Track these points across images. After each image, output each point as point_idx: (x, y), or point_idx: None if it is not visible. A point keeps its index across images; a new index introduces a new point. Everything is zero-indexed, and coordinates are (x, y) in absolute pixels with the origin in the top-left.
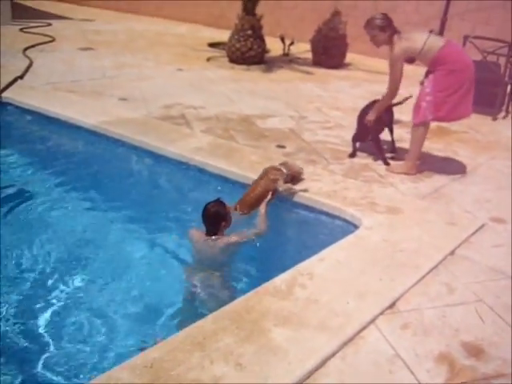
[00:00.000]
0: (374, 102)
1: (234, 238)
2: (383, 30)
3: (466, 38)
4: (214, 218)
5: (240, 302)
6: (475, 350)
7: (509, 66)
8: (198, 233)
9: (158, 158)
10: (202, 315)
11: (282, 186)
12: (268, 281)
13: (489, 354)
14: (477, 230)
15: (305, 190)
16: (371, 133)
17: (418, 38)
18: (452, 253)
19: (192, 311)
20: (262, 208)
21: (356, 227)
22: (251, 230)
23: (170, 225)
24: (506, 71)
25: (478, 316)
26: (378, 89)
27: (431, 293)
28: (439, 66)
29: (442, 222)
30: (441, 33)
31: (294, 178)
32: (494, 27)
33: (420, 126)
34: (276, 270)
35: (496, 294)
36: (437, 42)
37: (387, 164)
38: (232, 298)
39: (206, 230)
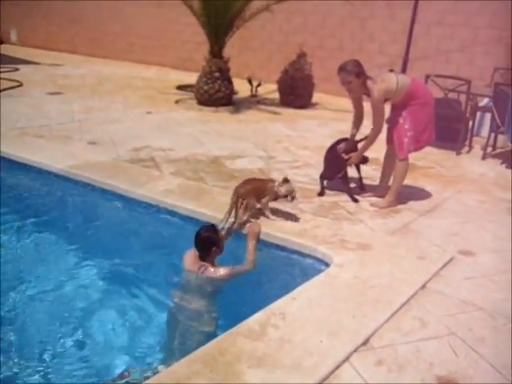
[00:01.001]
0: (341, 141)
1: (221, 272)
2: (358, 75)
3: (427, 76)
4: (205, 243)
5: (213, 344)
6: None
7: (469, 102)
8: (190, 257)
9: (128, 201)
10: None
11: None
12: (241, 322)
13: None
14: (446, 264)
15: (276, 230)
16: (341, 171)
17: (391, 78)
18: (423, 287)
19: (177, 339)
20: (251, 243)
21: (327, 265)
22: (241, 266)
23: (141, 267)
24: (467, 108)
25: (451, 349)
26: (345, 127)
27: (404, 328)
28: (412, 100)
29: (412, 257)
30: (403, 72)
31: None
32: (453, 66)
33: (404, 160)
34: (249, 310)
35: (468, 326)
36: (405, 79)
37: (355, 201)
38: (214, 330)
39: (198, 254)
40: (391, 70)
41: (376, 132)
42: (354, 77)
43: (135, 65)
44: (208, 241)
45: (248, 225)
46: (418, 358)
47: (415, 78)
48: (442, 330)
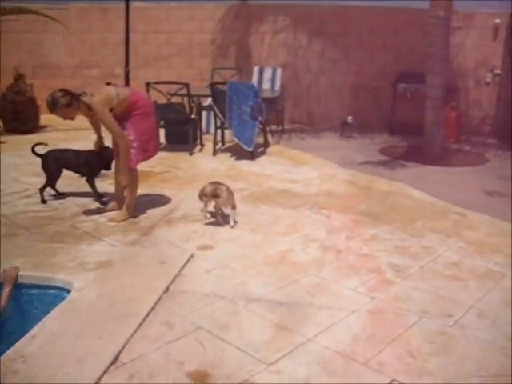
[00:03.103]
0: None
1: None
2: (70, 105)
3: (147, 84)
4: None
5: None
6: (200, 376)
7: (192, 104)
8: None
9: None
10: None
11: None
12: None
13: (212, 375)
14: (187, 262)
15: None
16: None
17: (108, 89)
18: (167, 290)
19: None
20: (6, 288)
21: (69, 292)
22: None
23: None
24: (191, 109)
25: (199, 344)
26: (83, 144)
27: (152, 335)
28: (134, 111)
29: (154, 263)
30: (127, 83)
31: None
32: (175, 70)
33: (134, 171)
34: None
35: (212, 317)
36: (125, 91)
37: (103, 203)
38: None
39: None
40: (108, 83)
41: (123, 142)
42: (65, 108)
43: None
44: None
45: (4, 270)
46: (168, 361)
47: (135, 89)
48: (189, 328)
